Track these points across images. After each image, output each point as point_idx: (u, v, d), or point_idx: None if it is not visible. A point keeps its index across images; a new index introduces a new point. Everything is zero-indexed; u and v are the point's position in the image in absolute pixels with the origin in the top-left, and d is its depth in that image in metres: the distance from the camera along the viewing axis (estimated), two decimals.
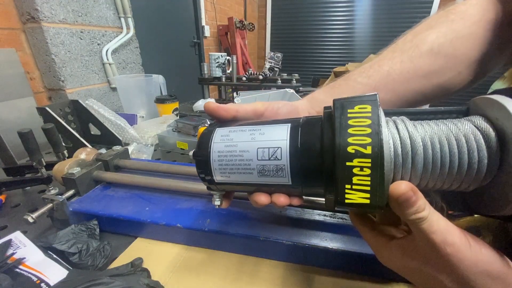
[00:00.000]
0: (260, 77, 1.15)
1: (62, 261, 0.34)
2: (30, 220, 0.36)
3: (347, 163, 0.18)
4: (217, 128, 0.24)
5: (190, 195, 0.44)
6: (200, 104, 1.11)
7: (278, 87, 1.11)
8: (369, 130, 0.17)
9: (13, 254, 0.34)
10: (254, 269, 0.36)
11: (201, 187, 0.43)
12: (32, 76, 0.86)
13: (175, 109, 0.95)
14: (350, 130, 0.18)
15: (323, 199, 0.22)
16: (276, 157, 0.21)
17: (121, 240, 0.41)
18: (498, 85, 2.24)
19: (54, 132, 0.52)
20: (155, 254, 0.38)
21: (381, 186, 0.17)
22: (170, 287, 0.33)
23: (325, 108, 0.22)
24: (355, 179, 0.18)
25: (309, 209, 0.40)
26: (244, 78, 1.18)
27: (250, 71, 1.25)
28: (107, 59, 1.01)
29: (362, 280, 0.34)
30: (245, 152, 0.22)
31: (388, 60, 0.29)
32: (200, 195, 0.43)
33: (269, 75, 1.21)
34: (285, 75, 1.18)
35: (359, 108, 0.18)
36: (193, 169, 0.49)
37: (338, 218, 0.38)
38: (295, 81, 1.12)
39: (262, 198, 0.23)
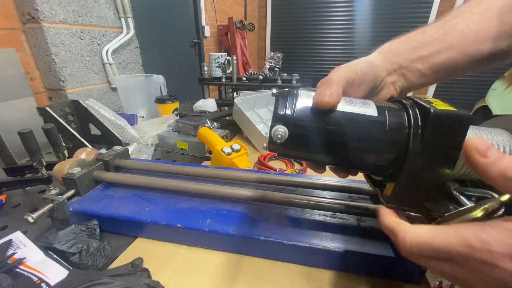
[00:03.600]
0: (260, 77, 1.15)
1: (63, 261, 0.34)
2: (31, 220, 0.36)
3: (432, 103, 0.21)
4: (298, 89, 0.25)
5: (190, 195, 0.44)
6: (200, 104, 1.11)
7: (278, 87, 1.11)
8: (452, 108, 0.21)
9: (13, 254, 0.34)
10: (254, 269, 0.36)
11: (201, 187, 0.43)
12: (32, 76, 0.86)
13: (175, 109, 0.95)
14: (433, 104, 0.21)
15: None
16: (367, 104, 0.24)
17: (121, 240, 0.41)
18: (498, 84, 2.24)
19: (54, 132, 0.52)
20: (156, 254, 0.38)
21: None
22: (170, 287, 0.33)
23: (397, 102, 0.25)
24: (438, 104, 0.21)
25: (309, 209, 0.40)
26: (244, 78, 1.18)
27: (250, 71, 1.25)
28: (107, 59, 1.01)
29: (362, 280, 0.34)
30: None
31: (461, 19, 0.29)
32: (200, 195, 0.44)
33: (269, 75, 1.21)
34: (285, 75, 1.18)
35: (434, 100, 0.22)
36: (193, 170, 0.49)
37: (338, 218, 0.38)
38: (295, 81, 1.12)
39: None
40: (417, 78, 0.30)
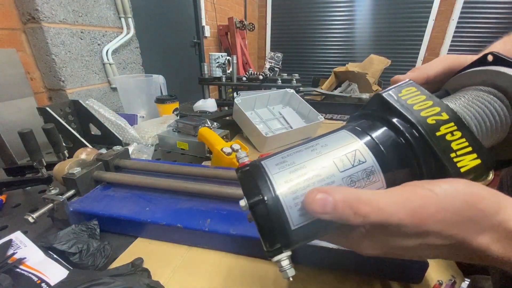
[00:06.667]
0: (260, 77, 1.15)
1: (63, 261, 0.34)
2: (31, 220, 0.36)
3: (437, 133, 0.17)
4: (262, 161, 0.20)
5: (190, 195, 0.44)
6: (200, 104, 1.11)
7: (278, 87, 1.11)
8: (430, 102, 0.18)
9: (13, 254, 0.34)
10: (255, 269, 0.36)
11: (201, 187, 0.43)
12: (32, 76, 0.86)
13: (175, 109, 0.95)
14: (415, 107, 0.18)
15: None
16: (360, 160, 0.18)
17: (121, 240, 0.41)
18: None
19: (54, 132, 0.52)
20: (156, 254, 0.38)
21: (478, 141, 0.17)
22: (170, 287, 0.33)
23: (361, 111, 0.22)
24: (454, 145, 0.17)
25: None
26: (244, 78, 1.18)
27: (250, 71, 1.25)
28: (108, 59, 1.01)
29: (363, 280, 0.34)
30: (322, 169, 0.18)
31: None
32: (200, 195, 0.44)
33: (269, 75, 1.21)
34: (285, 75, 1.18)
35: (406, 91, 0.19)
36: (193, 169, 0.49)
37: None
38: (295, 81, 1.12)
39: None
40: None
